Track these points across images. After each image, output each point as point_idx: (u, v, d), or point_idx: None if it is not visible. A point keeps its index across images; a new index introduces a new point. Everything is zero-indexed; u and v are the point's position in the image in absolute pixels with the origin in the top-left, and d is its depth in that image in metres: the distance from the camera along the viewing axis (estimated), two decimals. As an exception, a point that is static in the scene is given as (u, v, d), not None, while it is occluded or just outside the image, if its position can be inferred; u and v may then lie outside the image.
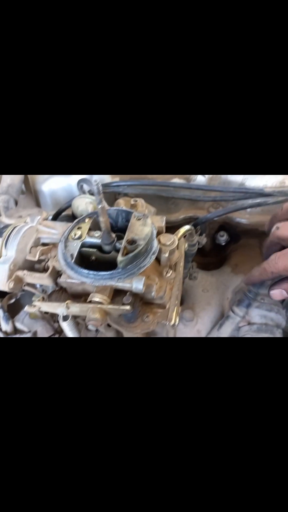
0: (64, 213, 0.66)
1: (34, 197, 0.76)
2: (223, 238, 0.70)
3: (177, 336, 0.64)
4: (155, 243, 0.45)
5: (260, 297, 0.62)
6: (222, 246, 0.74)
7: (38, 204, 0.77)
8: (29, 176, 0.74)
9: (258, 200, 0.60)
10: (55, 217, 0.65)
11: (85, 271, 0.41)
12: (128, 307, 0.40)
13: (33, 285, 0.49)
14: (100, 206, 0.38)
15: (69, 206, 0.61)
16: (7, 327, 0.53)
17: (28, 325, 0.55)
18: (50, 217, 0.64)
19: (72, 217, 0.60)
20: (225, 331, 0.61)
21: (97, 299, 0.40)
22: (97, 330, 0.55)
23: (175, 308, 0.45)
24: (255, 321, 0.60)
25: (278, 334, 0.59)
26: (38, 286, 0.50)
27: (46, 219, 0.56)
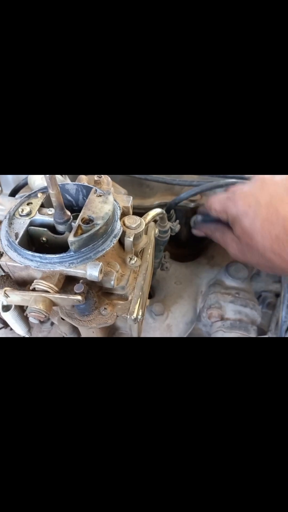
0: (24, 193, 0.59)
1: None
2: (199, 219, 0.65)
3: (145, 331, 0.59)
4: (118, 224, 0.39)
5: (236, 292, 0.58)
6: (199, 238, 0.69)
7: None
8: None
9: (234, 180, 0.56)
10: (12, 195, 0.57)
11: (30, 253, 0.34)
12: (79, 297, 0.34)
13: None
14: (48, 176, 0.32)
15: (26, 182, 0.53)
16: None
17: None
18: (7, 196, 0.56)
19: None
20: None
21: (41, 287, 0.33)
22: (52, 324, 0.48)
23: (139, 300, 0.39)
24: (229, 317, 0.55)
25: (253, 331, 0.54)
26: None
27: (-3, 195, 0.48)
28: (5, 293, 0.34)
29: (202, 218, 0.58)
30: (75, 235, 0.34)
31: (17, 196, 0.57)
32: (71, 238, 0.34)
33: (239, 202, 0.45)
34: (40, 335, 0.55)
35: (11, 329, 0.46)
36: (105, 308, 0.38)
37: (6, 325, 0.49)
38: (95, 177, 0.46)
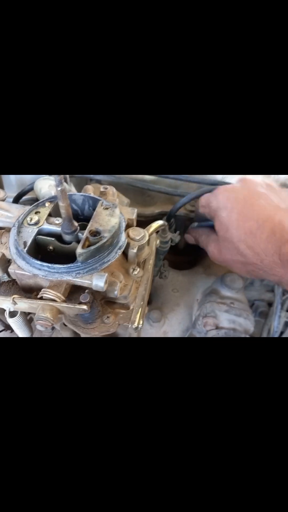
0: (28, 197, 0.60)
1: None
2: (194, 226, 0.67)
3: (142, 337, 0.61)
4: (123, 236, 0.41)
5: (230, 301, 0.60)
6: (196, 246, 0.71)
7: (1, 184, 0.69)
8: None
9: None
10: (16, 200, 0.58)
11: (38, 262, 0.35)
12: (85, 307, 0.35)
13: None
14: (59, 189, 0.33)
15: (32, 188, 0.54)
16: None
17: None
18: (11, 200, 0.57)
19: (36, 201, 0.53)
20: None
21: (49, 296, 0.35)
22: (53, 328, 0.49)
23: (140, 309, 0.41)
24: (223, 326, 0.57)
25: (246, 340, 0.57)
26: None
27: (3, 200, 0.49)
28: (13, 300, 0.35)
29: (196, 225, 0.60)
30: (83, 247, 0.36)
31: (21, 200, 0.58)
32: (79, 250, 0.35)
33: (220, 196, 0.48)
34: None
35: (12, 331, 0.47)
36: (108, 317, 0.39)
37: (7, 328, 0.50)
38: (101, 188, 0.48)
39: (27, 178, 0.66)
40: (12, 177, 0.66)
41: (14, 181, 0.67)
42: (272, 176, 0.62)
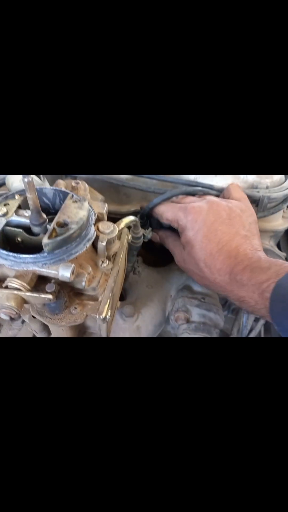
0: (1, 192, 0.59)
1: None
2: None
3: (114, 331, 0.61)
4: (92, 229, 0.42)
5: (202, 296, 0.62)
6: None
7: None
8: None
9: (200, 188, 0.60)
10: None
11: (4, 252, 0.36)
12: (50, 296, 0.36)
13: None
14: (25, 180, 0.34)
15: (3, 183, 0.54)
16: None
17: None
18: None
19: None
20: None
21: (14, 285, 0.35)
22: (23, 322, 0.50)
23: (108, 301, 0.42)
24: (194, 320, 0.59)
25: (215, 334, 0.59)
26: None
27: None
28: (-23, 290, 0.35)
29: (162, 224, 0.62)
30: (49, 237, 0.36)
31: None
32: (45, 240, 0.36)
33: (189, 216, 0.53)
34: (10, 333, 0.55)
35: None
36: (75, 308, 0.40)
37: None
38: (73, 183, 0.48)
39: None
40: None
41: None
42: (242, 176, 0.64)
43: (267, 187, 0.63)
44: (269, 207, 0.64)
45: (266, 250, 0.71)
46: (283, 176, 0.67)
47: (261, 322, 0.73)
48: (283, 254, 0.73)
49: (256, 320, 0.71)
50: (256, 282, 0.44)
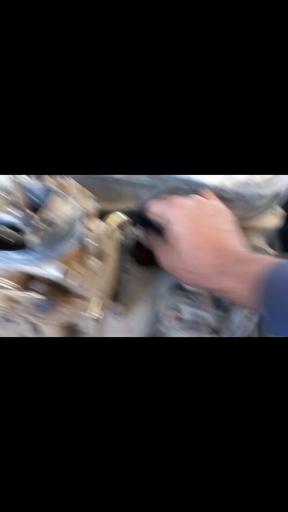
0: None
1: None
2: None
3: (106, 330, 0.61)
4: (79, 227, 0.41)
5: (192, 295, 0.62)
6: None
7: None
8: None
9: (193, 187, 0.60)
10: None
11: (-9, 250, 0.35)
12: (40, 295, 0.35)
13: None
14: (13, 179, 0.33)
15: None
16: None
17: None
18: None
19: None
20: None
21: (2, 284, 0.34)
22: (8, 320, 0.49)
23: (98, 300, 0.41)
24: (184, 318, 0.59)
25: (205, 331, 0.59)
26: None
27: None
28: None
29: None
30: (35, 234, 0.36)
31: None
32: (31, 238, 0.35)
33: (175, 210, 0.54)
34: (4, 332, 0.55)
35: None
36: (64, 306, 0.39)
37: None
38: (59, 179, 0.48)
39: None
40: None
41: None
42: (233, 176, 0.65)
43: (257, 184, 0.64)
44: (259, 204, 0.64)
45: (256, 248, 0.72)
46: (273, 174, 0.68)
47: (253, 321, 0.73)
48: (273, 252, 0.74)
49: (249, 319, 0.71)
50: (242, 272, 0.45)
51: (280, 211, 0.75)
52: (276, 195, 0.67)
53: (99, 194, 0.63)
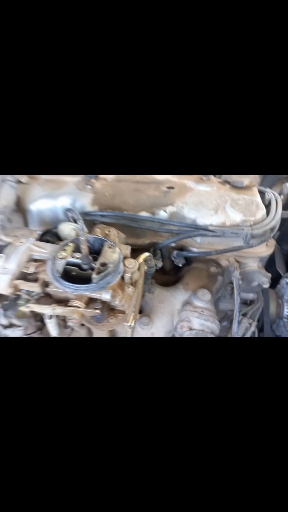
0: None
1: (23, 215, 0.90)
2: (176, 260, 0.88)
3: (135, 335, 0.81)
4: (121, 265, 0.62)
5: (201, 310, 0.81)
6: (179, 267, 0.92)
7: (25, 221, 0.90)
8: (20, 196, 0.87)
9: (201, 232, 0.80)
10: (42, 236, 0.79)
11: (68, 283, 0.56)
12: (98, 311, 0.56)
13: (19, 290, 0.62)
14: (82, 238, 0.54)
15: (55, 229, 0.76)
16: (4, 321, 0.66)
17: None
18: (39, 232, 0.78)
19: (56, 236, 0.74)
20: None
21: (76, 304, 0.55)
22: (72, 329, 0.70)
23: (132, 314, 0.61)
24: (195, 328, 0.78)
25: (211, 338, 0.77)
26: (24, 291, 0.63)
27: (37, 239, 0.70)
28: (53, 307, 0.56)
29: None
30: (96, 274, 0.57)
31: (39, 231, 0.79)
32: (94, 275, 0.56)
33: None
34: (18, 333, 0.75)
35: (40, 332, 0.67)
36: (112, 318, 0.60)
37: (39, 329, 0.71)
38: (106, 230, 0.69)
39: (46, 216, 0.87)
40: (35, 216, 0.88)
41: (36, 219, 0.88)
42: (231, 217, 0.84)
43: (250, 225, 0.83)
44: (252, 242, 0.82)
45: (254, 272, 0.91)
46: (265, 214, 0.86)
47: (254, 325, 0.91)
48: (268, 275, 0.92)
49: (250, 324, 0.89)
50: None
51: (273, 241, 0.93)
52: (272, 229, 0.85)
53: (127, 232, 0.84)
